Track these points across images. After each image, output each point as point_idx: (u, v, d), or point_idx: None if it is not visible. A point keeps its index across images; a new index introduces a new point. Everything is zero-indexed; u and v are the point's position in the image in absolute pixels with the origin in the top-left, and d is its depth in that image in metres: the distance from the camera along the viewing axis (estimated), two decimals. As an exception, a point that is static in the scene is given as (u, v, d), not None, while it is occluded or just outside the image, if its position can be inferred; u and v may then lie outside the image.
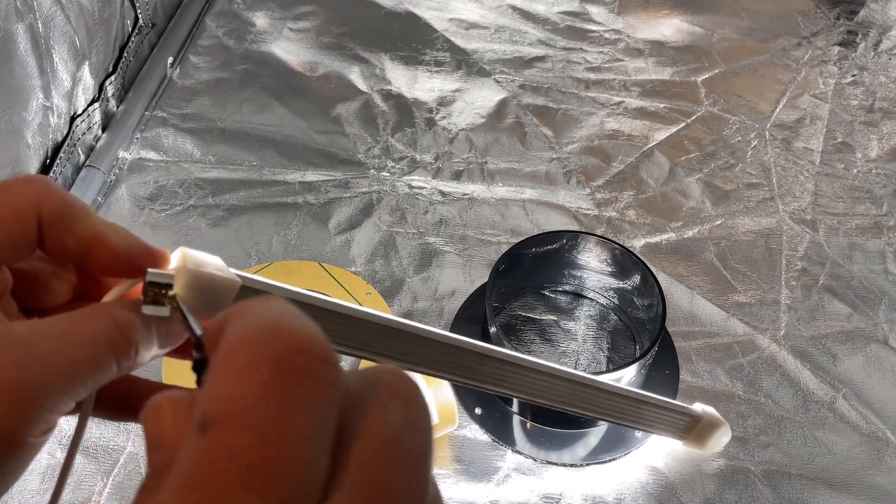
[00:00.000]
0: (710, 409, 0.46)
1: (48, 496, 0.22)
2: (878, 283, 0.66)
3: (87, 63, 0.71)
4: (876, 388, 0.59)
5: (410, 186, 0.73)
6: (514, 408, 0.57)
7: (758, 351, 0.61)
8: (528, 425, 0.56)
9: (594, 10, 0.94)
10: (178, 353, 0.25)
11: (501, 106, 0.82)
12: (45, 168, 0.67)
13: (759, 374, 0.59)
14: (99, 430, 0.54)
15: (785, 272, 0.67)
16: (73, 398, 0.20)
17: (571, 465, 0.54)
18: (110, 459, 0.53)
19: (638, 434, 0.55)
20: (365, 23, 0.91)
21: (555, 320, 0.62)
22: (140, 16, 0.81)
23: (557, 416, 0.56)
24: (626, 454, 0.54)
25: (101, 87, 0.75)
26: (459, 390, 0.56)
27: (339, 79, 0.84)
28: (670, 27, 0.93)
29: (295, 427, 0.14)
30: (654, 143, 0.78)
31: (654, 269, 0.57)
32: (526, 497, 0.52)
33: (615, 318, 0.63)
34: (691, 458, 0.55)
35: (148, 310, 0.22)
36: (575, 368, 0.56)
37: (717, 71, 0.87)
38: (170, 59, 0.83)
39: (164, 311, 0.22)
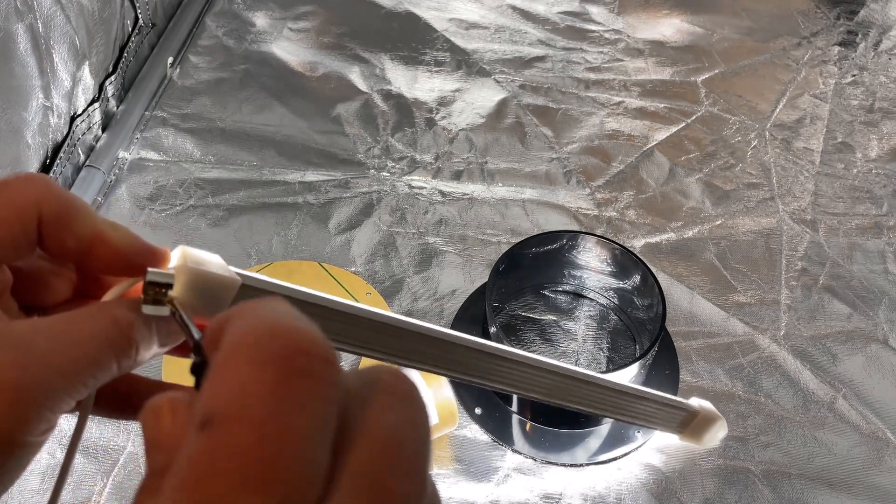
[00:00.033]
0: (707, 404, 0.46)
1: (48, 496, 0.22)
2: (878, 283, 0.66)
3: (87, 63, 0.71)
4: (876, 388, 0.59)
5: (410, 186, 0.73)
6: (514, 407, 0.57)
7: (758, 351, 0.61)
8: (528, 425, 0.56)
9: (594, 10, 0.94)
10: (179, 350, 0.25)
11: (501, 106, 0.82)
12: (45, 168, 0.67)
13: (759, 374, 0.59)
14: (99, 430, 0.54)
15: (785, 272, 0.67)
16: (74, 397, 0.20)
17: (571, 465, 0.54)
18: (110, 459, 0.53)
19: (638, 434, 0.55)
20: (365, 23, 0.91)
21: (555, 320, 0.62)
22: (140, 16, 0.81)
23: (557, 416, 0.56)
24: (626, 454, 0.54)
25: (101, 87, 0.75)
26: (459, 390, 0.56)
27: (339, 79, 0.84)
28: (670, 27, 0.93)
29: (295, 427, 0.14)
30: (654, 143, 0.78)
31: (654, 269, 0.57)
32: (526, 497, 0.52)
33: (615, 318, 0.63)
34: (691, 458, 0.55)
35: (148, 309, 0.22)
36: (575, 368, 0.56)
37: (717, 71, 0.87)
38: (170, 59, 0.83)
39: (163, 311, 0.22)
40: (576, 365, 0.60)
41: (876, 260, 0.68)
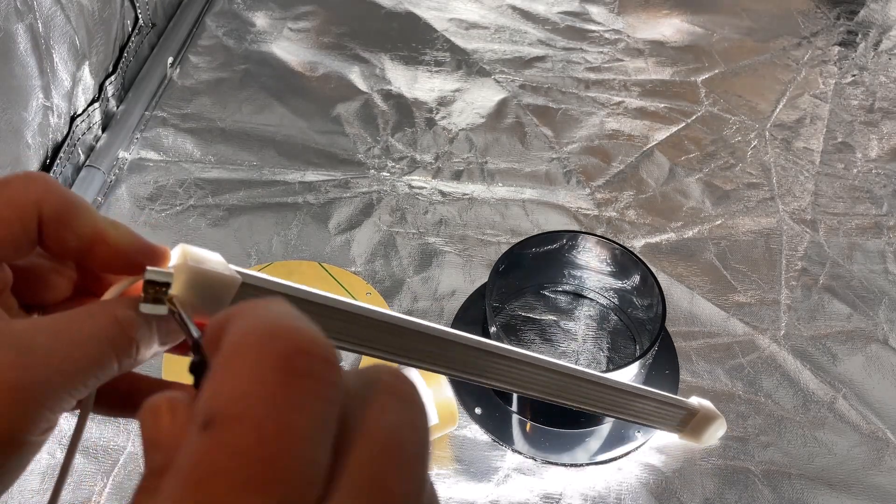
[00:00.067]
0: (706, 403, 0.46)
1: (48, 496, 0.22)
2: (878, 283, 0.66)
3: (87, 63, 0.71)
4: (876, 388, 0.59)
5: (410, 186, 0.73)
6: (514, 407, 0.57)
7: (758, 351, 0.61)
8: (528, 425, 0.56)
9: (594, 10, 0.94)
10: (180, 349, 0.25)
11: (501, 106, 0.82)
12: (45, 168, 0.67)
13: (759, 374, 0.59)
14: (99, 430, 0.54)
15: (785, 272, 0.67)
16: (74, 396, 0.20)
17: (571, 465, 0.54)
18: (110, 459, 0.53)
19: (638, 434, 0.55)
20: (365, 23, 0.91)
21: (555, 320, 0.62)
22: (140, 16, 0.81)
23: (558, 416, 0.55)
24: (626, 454, 0.54)
25: (101, 87, 0.75)
26: (460, 390, 0.56)
27: (339, 79, 0.84)
28: (670, 27, 0.93)
29: (296, 427, 0.14)
30: (654, 143, 0.78)
31: (654, 269, 0.57)
32: (526, 497, 0.52)
33: (615, 318, 0.62)
34: (691, 458, 0.55)
35: (146, 308, 0.22)
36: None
37: (717, 71, 0.87)
38: (170, 59, 0.83)
39: (161, 309, 0.22)
40: (576, 365, 0.60)
41: (876, 260, 0.68)
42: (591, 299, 0.64)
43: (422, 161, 0.75)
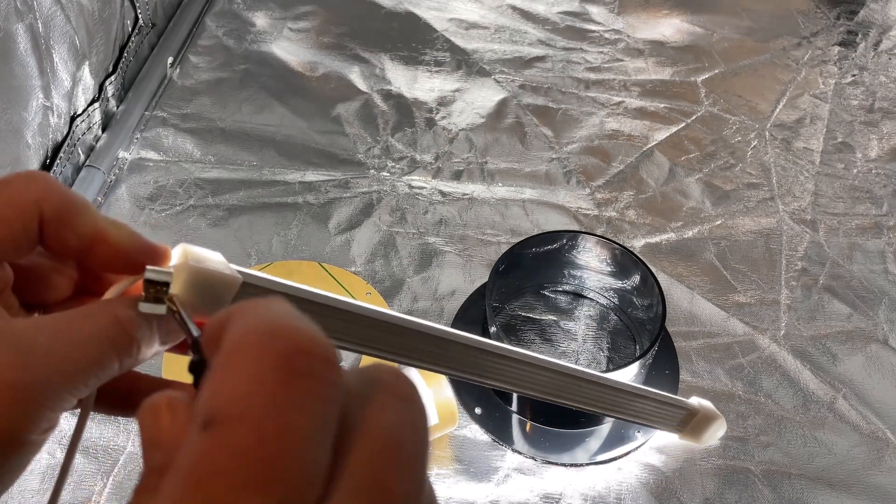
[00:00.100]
0: (706, 403, 0.46)
1: (48, 496, 0.22)
2: (878, 283, 0.66)
3: (87, 63, 0.71)
4: (876, 388, 0.59)
5: (410, 186, 0.73)
6: (514, 407, 0.57)
7: (758, 351, 0.61)
8: (528, 425, 0.56)
9: (594, 10, 0.94)
10: (181, 348, 0.25)
11: (501, 106, 0.82)
12: (45, 168, 0.67)
13: (759, 374, 0.59)
14: (99, 430, 0.54)
15: (785, 272, 0.67)
16: (75, 396, 0.20)
17: (571, 465, 0.54)
18: (110, 459, 0.53)
19: (638, 434, 0.55)
20: (365, 23, 0.91)
21: (555, 320, 0.62)
22: (140, 16, 0.81)
23: (558, 416, 0.55)
24: (626, 454, 0.54)
25: (101, 87, 0.75)
26: (460, 390, 0.56)
27: (339, 79, 0.84)
28: (670, 27, 0.93)
29: (297, 427, 0.14)
30: (654, 143, 0.78)
31: (654, 269, 0.57)
32: (526, 497, 0.52)
33: (615, 318, 0.62)
34: (691, 458, 0.55)
35: (145, 307, 0.22)
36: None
37: (717, 71, 0.87)
38: (170, 59, 0.83)
39: (160, 309, 0.22)
40: (576, 365, 0.60)
41: (876, 260, 0.68)
42: (591, 299, 0.64)
43: (422, 161, 0.75)
